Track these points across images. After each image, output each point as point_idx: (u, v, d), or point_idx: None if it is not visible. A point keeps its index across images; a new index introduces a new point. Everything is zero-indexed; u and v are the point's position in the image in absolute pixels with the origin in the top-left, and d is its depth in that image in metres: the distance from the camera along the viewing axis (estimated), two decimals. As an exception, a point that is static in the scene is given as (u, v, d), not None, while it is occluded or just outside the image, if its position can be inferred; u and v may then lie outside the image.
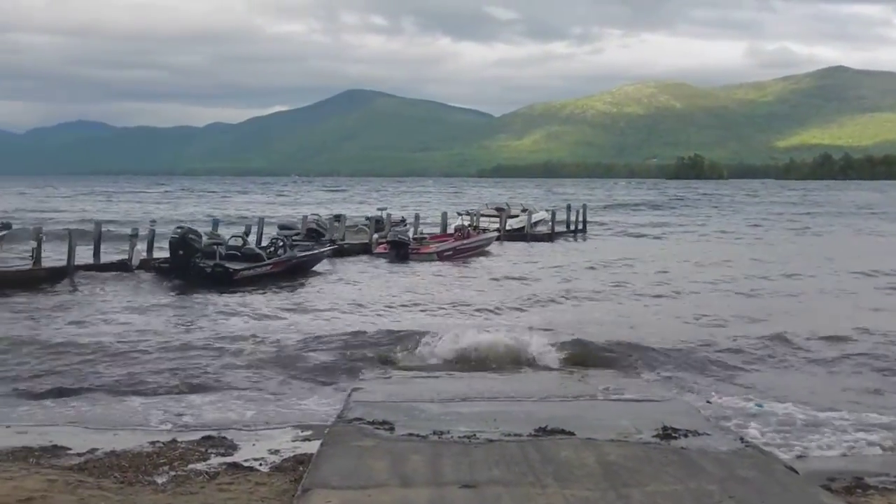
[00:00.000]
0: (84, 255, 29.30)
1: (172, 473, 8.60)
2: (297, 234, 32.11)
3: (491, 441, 8.70)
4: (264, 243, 32.47)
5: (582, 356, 15.24)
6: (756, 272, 30.94)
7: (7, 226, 37.99)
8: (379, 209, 48.05)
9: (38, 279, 26.12)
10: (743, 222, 68.14)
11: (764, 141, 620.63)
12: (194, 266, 26.68)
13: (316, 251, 31.66)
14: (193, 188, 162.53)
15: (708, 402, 12.49)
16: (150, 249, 30.07)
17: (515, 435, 9.02)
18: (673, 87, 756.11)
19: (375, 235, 38.99)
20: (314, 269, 30.76)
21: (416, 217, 45.26)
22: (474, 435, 8.96)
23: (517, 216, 51.20)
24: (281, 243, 30.23)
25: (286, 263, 28.91)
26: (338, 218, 40.50)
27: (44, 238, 27.94)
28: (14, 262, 29.23)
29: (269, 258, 28.61)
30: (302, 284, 27.34)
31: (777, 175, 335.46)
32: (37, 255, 27.22)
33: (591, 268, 33.10)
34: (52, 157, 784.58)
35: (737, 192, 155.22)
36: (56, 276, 26.72)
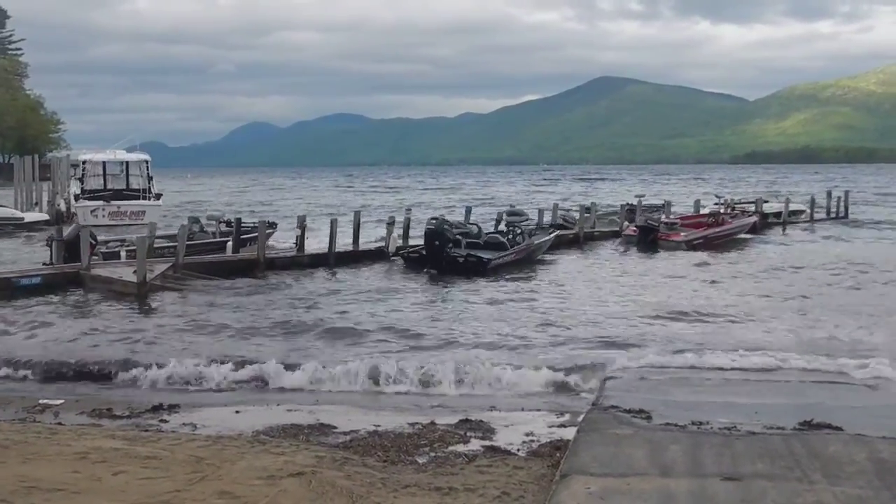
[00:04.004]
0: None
1: (432, 454, 8.81)
2: (524, 221, 32.41)
3: (753, 433, 8.43)
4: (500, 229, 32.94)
5: None
6: None
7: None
8: (637, 196, 47.29)
9: (301, 264, 27.51)
10: None
11: None
12: (447, 256, 27.29)
13: (547, 237, 32.00)
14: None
15: None
16: (405, 237, 30.90)
17: (778, 428, 8.70)
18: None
19: (626, 224, 38.57)
20: (548, 254, 31.48)
21: (667, 203, 44.43)
22: (735, 426, 8.72)
23: (768, 201, 49.25)
24: (518, 230, 30.68)
25: (526, 250, 29.44)
26: (588, 209, 40.32)
27: (307, 226, 29.34)
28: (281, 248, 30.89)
29: (510, 244, 29.14)
30: (546, 272, 27.62)
31: None
32: (300, 242, 28.67)
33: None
34: (313, 149, 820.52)
35: None
36: (318, 261, 28.00)
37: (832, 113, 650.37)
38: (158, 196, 48.48)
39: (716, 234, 36.46)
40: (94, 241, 25.30)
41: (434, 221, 28.91)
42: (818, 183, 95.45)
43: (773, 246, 36.37)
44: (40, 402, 11.75)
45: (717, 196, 46.26)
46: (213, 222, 31.45)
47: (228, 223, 30.17)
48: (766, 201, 48.26)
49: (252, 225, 29.19)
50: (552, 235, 32.34)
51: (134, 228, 38.45)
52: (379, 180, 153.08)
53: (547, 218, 37.77)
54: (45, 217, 46.80)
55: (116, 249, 27.45)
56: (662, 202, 45.82)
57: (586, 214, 38.60)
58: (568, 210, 43.16)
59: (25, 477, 7.40)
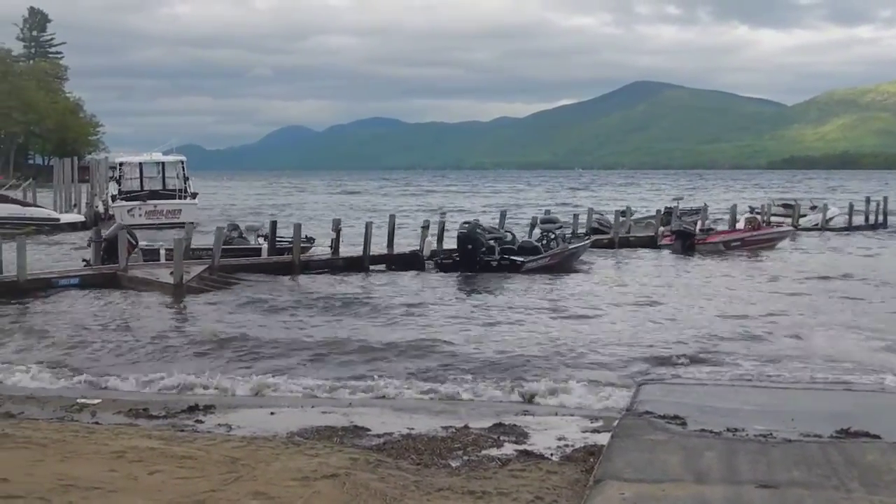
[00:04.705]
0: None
1: (466, 458, 8.78)
2: (559, 227, 32.30)
3: (789, 441, 8.35)
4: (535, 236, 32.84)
5: None
6: None
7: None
8: (674, 199, 46.98)
9: (336, 267, 27.62)
10: None
11: None
12: (480, 260, 27.37)
13: (583, 243, 31.65)
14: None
15: None
16: (440, 240, 30.90)
17: (815, 435, 8.61)
18: None
19: (661, 228, 38.37)
20: (583, 259, 31.03)
21: (705, 207, 44.16)
22: (771, 433, 8.64)
23: (806, 216, 48.71)
24: (553, 236, 30.61)
25: (561, 255, 29.23)
26: (623, 213, 40.18)
27: (342, 229, 29.45)
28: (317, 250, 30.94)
29: (544, 250, 29.07)
30: (582, 279, 27.37)
31: None
32: (335, 245, 28.78)
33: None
34: (348, 152, 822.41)
35: None
36: (352, 264, 28.08)
37: (872, 118, 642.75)
38: (194, 196, 48.96)
39: (753, 238, 36.21)
40: (133, 242, 25.58)
41: (466, 225, 28.96)
42: (855, 191, 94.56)
43: (811, 254, 36.01)
44: (78, 401, 11.86)
45: (750, 209, 45.92)
46: (253, 233, 31.57)
47: (266, 237, 30.04)
48: (803, 215, 47.80)
49: (288, 239, 28.75)
50: (587, 242, 32.08)
51: (169, 227, 39.00)
52: (416, 185, 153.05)
53: (582, 222, 37.61)
54: (81, 219, 47.37)
55: (157, 248, 27.72)
56: (702, 205, 45.58)
57: (622, 219, 38.47)
58: (603, 214, 42.97)
59: (63, 475, 7.48)
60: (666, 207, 43.23)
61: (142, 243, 27.27)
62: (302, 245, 28.14)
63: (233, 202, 79.45)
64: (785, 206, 49.96)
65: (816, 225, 47.23)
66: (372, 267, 28.28)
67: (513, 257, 27.58)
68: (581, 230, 35.76)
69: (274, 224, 29.99)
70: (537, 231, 32.72)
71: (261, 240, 30.30)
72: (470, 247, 27.58)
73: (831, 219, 49.26)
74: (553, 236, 30.64)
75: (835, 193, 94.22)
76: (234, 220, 40.55)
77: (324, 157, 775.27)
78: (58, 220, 45.92)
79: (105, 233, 26.45)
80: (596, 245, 33.71)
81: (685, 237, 35.24)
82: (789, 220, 44.89)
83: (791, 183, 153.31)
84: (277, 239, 29.28)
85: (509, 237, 29.96)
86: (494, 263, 27.25)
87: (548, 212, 39.23)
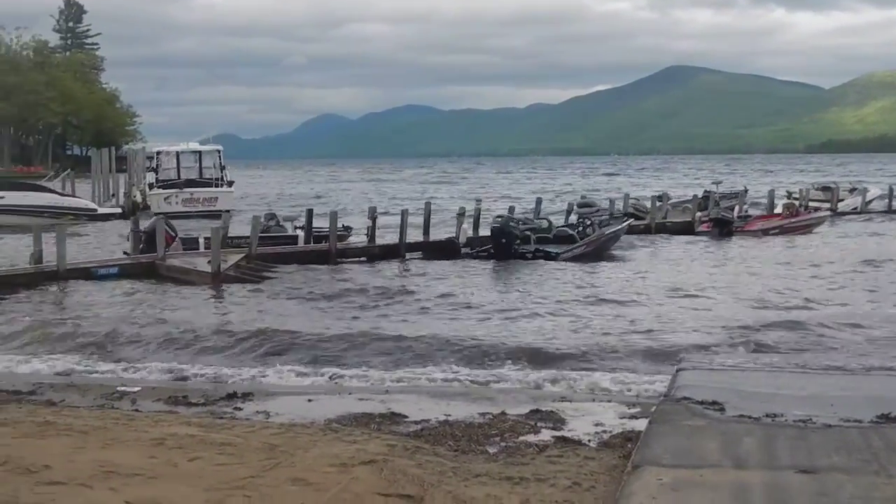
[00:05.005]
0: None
1: (503, 444, 8.79)
2: (596, 212, 32.02)
3: (829, 426, 8.28)
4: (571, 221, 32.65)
5: None
6: None
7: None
8: (714, 182, 46.54)
9: (372, 255, 27.70)
10: None
11: None
12: (515, 252, 27.33)
13: (620, 226, 30.91)
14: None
15: None
16: (475, 227, 30.88)
17: (855, 421, 8.54)
18: None
19: (699, 214, 38.08)
20: (620, 244, 30.49)
21: (744, 191, 43.76)
22: (810, 419, 8.57)
23: (844, 199, 48.13)
24: (589, 222, 30.40)
25: (597, 242, 28.96)
26: (660, 198, 39.90)
27: (377, 217, 29.50)
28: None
29: (580, 237, 28.88)
30: (618, 267, 27.10)
31: None
32: (371, 233, 28.84)
33: None
34: (383, 140, 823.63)
35: None
36: (389, 252, 28.14)
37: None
38: (231, 184, 49.37)
39: (791, 225, 35.94)
40: (172, 234, 25.79)
41: (499, 219, 28.92)
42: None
43: (850, 239, 35.57)
44: (118, 389, 12.00)
45: (788, 194, 45.42)
46: (290, 223, 31.70)
47: (303, 227, 30.10)
48: (841, 199, 47.28)
49: (326, 228, 28.76)
50: (625, 225, 31.59)
51: (206, 215, 39.34)
52: (451, 172, 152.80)
53: (618, 207, 37.37)
54: (119, 210, 47.78)
55: (196, 236, 27.91)
56: (743, 188, 45.18)
57: (658, 203, 38.21)
58: (639, 199, 42.70)
59: (104, 462, 7.55)
60: (704, 191, 42.89)
61: (180, 234, 27.47)
62: (339, 234, 28.22)
63: (268, 191, 79.75)
64: (824, 189, 49.48)
65: (856, 209, 46.77)
66: (408, 254, 28.34)
67: (548, 248, 27.46)
68: (618, 215, 35.47)
69: (310, 213, 30.05)
70: (573, 217, 32.57)
71: (298, 231, 30.37)
72: (504, 241, 27.55)
73: (871, 201, 48.77)
74: (589, 222, 30.49)
75: (876, 177, 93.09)
76: (271, 209, 40.76)
77: (359, 145, 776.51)
78: (95, 210, 46.32)
79: (144, 224, 26.68)
80: (632, 231, 33.34)
81: (723, 225, 35.02)
82: (828, 205, 44.45)
83: (830, 167, 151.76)
84: (314, 228, 29.35)
85: (545, 224, 29.84)
86: (529, 256, 27.17)
87: (584, 196, 39.04)
